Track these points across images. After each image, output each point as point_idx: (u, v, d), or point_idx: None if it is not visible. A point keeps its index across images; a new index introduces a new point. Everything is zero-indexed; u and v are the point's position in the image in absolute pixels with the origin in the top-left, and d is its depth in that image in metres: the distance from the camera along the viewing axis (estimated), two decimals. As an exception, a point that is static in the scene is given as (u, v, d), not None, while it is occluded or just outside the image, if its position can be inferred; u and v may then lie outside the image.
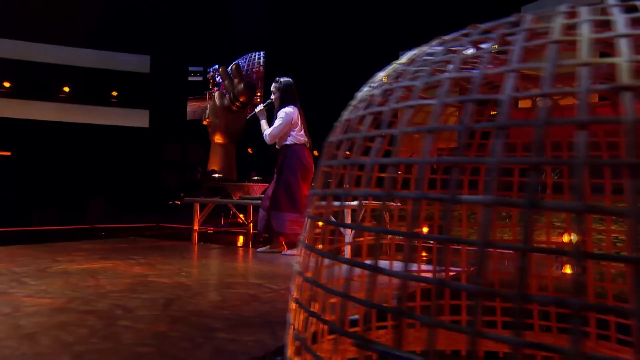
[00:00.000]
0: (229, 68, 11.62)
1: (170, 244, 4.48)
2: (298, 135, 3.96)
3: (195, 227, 4.60)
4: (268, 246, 4.03)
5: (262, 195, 4.50)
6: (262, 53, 13.70)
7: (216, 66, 15.45)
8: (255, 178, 8.58)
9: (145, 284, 2.48)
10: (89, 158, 12.21)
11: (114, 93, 13.73)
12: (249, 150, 12.93)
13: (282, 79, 4.04)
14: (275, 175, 4.02)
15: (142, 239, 5.08)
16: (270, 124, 4.00)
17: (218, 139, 11.47)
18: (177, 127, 13.95)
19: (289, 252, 3.89)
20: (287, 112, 3.92)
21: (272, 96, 4.05)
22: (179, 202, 9.44)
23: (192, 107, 14.91)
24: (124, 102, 13.40)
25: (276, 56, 13.28)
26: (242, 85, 10.76)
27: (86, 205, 9.54)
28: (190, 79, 15.04)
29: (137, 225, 7.14)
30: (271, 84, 4.09)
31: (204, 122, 11.58)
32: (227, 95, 11.14)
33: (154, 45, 13.48)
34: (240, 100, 10.91)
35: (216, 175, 9.25)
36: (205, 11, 13.05)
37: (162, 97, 13.56)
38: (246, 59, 14.26)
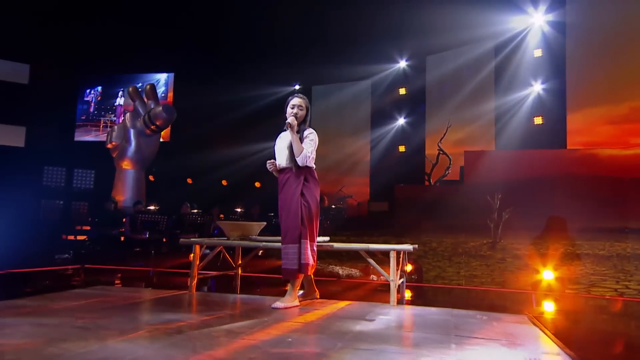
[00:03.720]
0: (142, 88, 10.60)
1: (171, 295, 3.79)
2: (314, 159, 3.58)
3: (195, 273, 3.98)
4: (302, 291, 3.65)
5: (274, 237, 4.11)
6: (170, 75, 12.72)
7: (98, 88, 13.87)
8: (196, 211, 7.78)
9: None
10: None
11: (-21, 104, 11.52)
12: (151, 177, 11.82)
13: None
14: (295, 201, 3.40)
15: (109, 288, 4.22)
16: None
17: (126, 164, 10.27)
18: (61, 147, 12.13)
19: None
20: (315, 133, 3.55)
21: (297, 111, 3.51)
22: (86, 237, 8.13)
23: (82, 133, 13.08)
24: (-6, 116, 11.28)
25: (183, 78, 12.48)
26: (160, 108, 9.87)
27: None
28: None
29: (60, 268, 5.95)
30: (292, 98, 3.57)
31: (109, 146, 10.30)
32: (140, 118, 10.07)
33: (35, 53, 11.67)
34: (157, 123, 9.98)
35: (152, 207, 8.20)
36: (102, 22, 11.77)
37: (43, 112, 11.71)
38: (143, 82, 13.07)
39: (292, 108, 3.53)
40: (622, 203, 5.81)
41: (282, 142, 3.58)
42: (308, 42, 11.78)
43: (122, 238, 7.81)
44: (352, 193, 11.44)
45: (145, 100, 10.04)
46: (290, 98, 3.61)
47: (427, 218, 6.78)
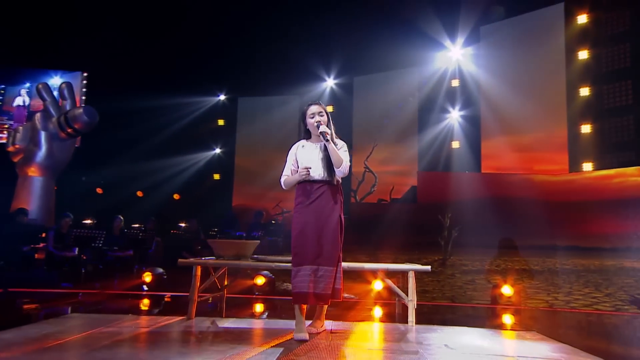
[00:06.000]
0: (57, 87, 9.38)
1: (174, 323, 3.36)
2: None
3: (195, 296, 3.58)
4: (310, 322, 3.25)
5: (284, 257, 3.88)
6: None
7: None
8: (136, 226, 6.94)
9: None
10: None
11: None
12: (54, 187, 10.50)
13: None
14: (335, 221, 3.15)
15: (84, 316, 3.63)
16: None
17: (33, 171, 8.97)
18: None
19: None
20: (345, 144, 3.32)
21: (319, 118, 3.22)
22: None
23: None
24: None
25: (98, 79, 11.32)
26: (80, 110, 8.86)
27: None
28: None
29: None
30: (307, 108, 3.31)
31: (10, 149, 8.93)
32: (53, 119, 8.89)
33: None
34: (75, 127, 8.88)
35: (88, 221, 7.13)
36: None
37: None
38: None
39: (312, 117, 3.24)
40: (551, 223, 6.54)
41: (312, 153, 3.26)
42: (234, 52, 11.49)
43: (37, 255, 6.79)
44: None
45: (60, 100, 8.93)
46: (305, 108, 3.33)
47: (381, 236, 6.92)
